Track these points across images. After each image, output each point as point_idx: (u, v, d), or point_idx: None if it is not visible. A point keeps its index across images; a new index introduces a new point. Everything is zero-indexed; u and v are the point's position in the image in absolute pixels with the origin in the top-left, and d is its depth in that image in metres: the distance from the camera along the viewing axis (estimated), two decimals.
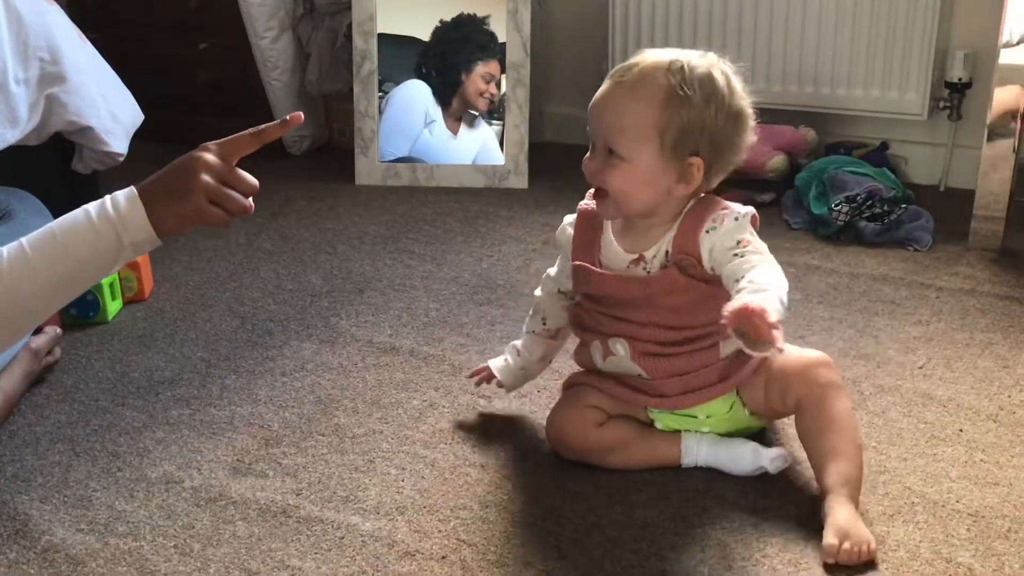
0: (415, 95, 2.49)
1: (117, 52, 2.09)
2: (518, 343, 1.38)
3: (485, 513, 1.19)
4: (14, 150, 1.86)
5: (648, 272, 1.21)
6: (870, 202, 2.01)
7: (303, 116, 1.13)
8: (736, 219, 1.17)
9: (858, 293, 1.78)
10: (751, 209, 1.19)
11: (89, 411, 1.45)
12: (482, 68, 2.46)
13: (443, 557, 1.11)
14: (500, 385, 1.39)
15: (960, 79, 2.21)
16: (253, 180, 1.10)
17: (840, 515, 1.09)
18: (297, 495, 1.23)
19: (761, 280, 1.07)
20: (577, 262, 1.25)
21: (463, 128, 2.48)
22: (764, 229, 2.07)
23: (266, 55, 2.59)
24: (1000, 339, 1.59)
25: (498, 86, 2.47)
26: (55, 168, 2.05)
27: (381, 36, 2.47)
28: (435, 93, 2.49)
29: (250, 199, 1.10)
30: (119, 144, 2.04)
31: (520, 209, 2.24)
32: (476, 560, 1.10)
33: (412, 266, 1.95)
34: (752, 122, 1.19)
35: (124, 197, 1.07)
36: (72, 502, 1.23)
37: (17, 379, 1.45)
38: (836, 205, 2.02)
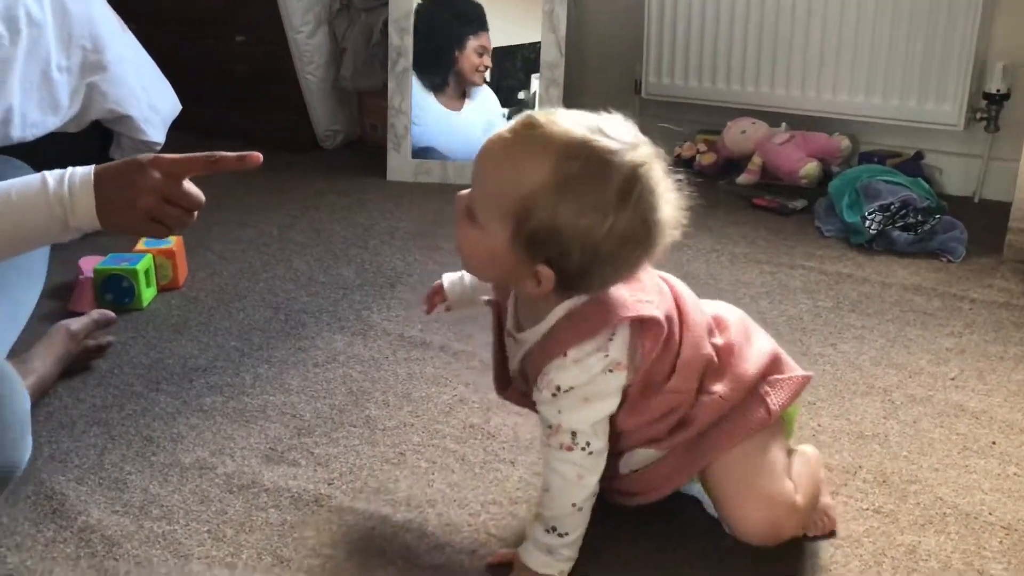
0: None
1: (154, 44, 2.11)
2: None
3: (514, 509, 1.19)
4: (54, 136, 1.89)
5: (511, 368, 1.10)
6: (904, 211, 2.00)
7: (261, 158, 1.14)
8: (590, 363, 0.97)
9: (890, 303, 1.77)
10: (612, 359, 0.97)
11: (124, 396, 1.47)
12: (474, 42, 2.47)
13: (473, 551, 1.11)
14: (448, 307, 1.22)
15: (999, 90, 2.19)
16: (197, 196, 1.13)
17: None
18: (329, 484, 1.24)
19: (543, 500, 1.03)
20: (490, 299, 1.13)
21: (467, 103, 2.48)
22: (796, 236, 2.09)
23: (302, 49, 2.62)
24: None
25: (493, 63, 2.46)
26: (93, 156, 2.07)
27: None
28: (428, 74, 2.48)
29: (195, 212, 1.13)
30: (157, 133, 2.07)
31: None
32: None
33: (442, 263, 1.96)
34: (660, 240, 0.94)
35: (80, 182, 1.09)
36: (107, 484, 1.25)
37: (51, 361, 1.47)
38: (869, 213, 2.01)
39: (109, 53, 1.93)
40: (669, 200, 0.94)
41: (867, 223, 2.00)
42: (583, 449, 1.00)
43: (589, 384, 0.98)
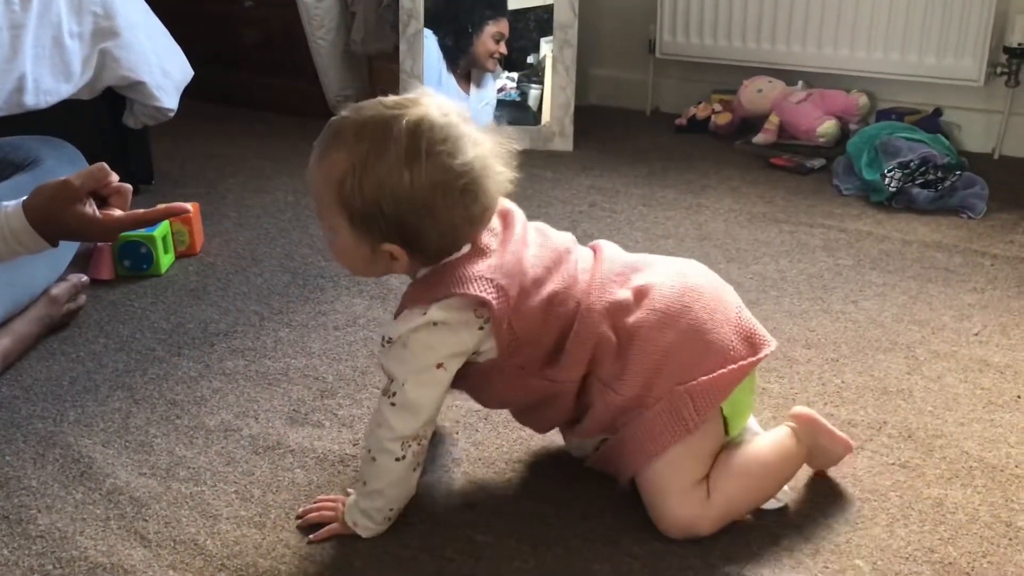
0: (428, 47, 2.47)
1: (161, 8, 2.09)
2: None
3: (537, 468, 1.19)
4: (67, 104, 1.88)
5: None
6: (923, 168, 1.99)
7: (190, 208, 1.25)
8: (412, 315, 1.00)
9: (911, 260, 1.76)
10: (429, 318, 0.99)
11: (146, 360, 1.47)
12: (492, 28, 2.43)
13: (500, 509, 1.12)
14: None
15: (1020, 44, 2.16)
16: (123, 187, 1.18)
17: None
18: (354, 445, 1.24)
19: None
20: None
21: (473, 88, 2.46)
22: (814, 195, 2.08)
23: (312, 13, 2.59)
24: None
25: (509, 46, 2.43)
26: (107, 122, 2.07)
27: None
28: (444, 52, 2.46)
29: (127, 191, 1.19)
30: (169, 100, 2.06)
31: (566, 171, 2.23)
32: (533, 511, 1.11)
33: None
34: (478, 186, 0.97)
35: (25, 232, 1.14)
36: (134, 447, 1.26)
37: (30, 322, 1.49)
38: (889, 171, 1.99)
39: (120, 19, 1.91)
40: (476, 146, 0.98)
41: (887, 180, 1.99)
42: (389, 396, 1.01)
43: (411, 331, 1.00)
